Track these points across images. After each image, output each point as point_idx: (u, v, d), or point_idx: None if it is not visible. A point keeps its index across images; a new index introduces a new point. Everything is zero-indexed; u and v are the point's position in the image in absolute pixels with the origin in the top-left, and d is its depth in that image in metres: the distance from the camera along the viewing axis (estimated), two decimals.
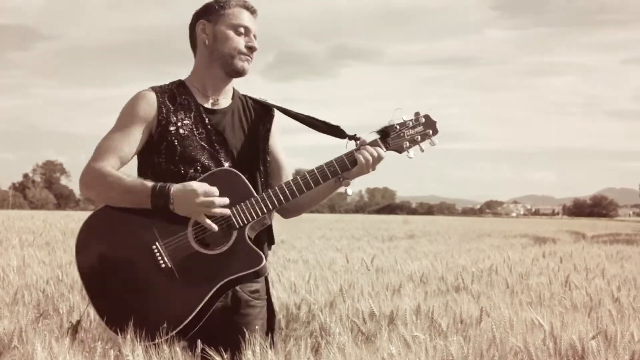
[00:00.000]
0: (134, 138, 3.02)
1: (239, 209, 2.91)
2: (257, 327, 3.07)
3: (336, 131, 3.11)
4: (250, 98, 3.24)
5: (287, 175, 3.22)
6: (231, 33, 3.07)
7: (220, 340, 2.93)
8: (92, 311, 4.57)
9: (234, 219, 2.90)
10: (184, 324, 2.81)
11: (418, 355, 2.80)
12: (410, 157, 3.04)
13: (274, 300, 3.24)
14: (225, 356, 2.68)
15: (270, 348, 2.65)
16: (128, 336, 2.59)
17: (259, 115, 3.21)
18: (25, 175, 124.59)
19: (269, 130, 3.19)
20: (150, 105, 3.04)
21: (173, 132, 3.03)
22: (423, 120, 3.04)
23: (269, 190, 2.94)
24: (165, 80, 3.16)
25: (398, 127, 3.03)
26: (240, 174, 2.95)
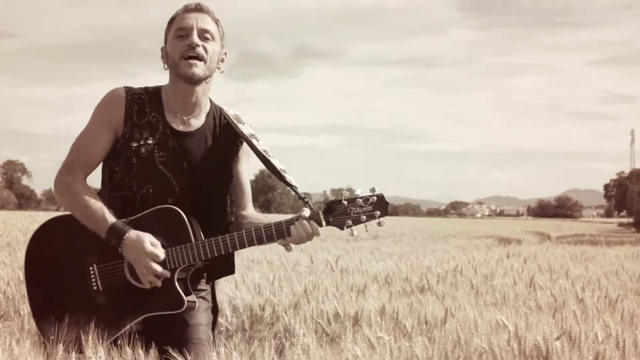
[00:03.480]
0: (101, 145, 3.03)
1: (173, 253, 2.93)
2: (203, 321, 3.10)
3: (290, 187, 3.07)
4: (224, 115, 3.16)
5: (248, 201, 3.22)
6: (175, 41, 3.00)
7: (168, 336, 2.96)
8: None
9: (166, 260, 2.93)
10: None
11: (383, 356, 2.79)
12: (352, 235, 2.95)
13: (237, 301, 3.23)
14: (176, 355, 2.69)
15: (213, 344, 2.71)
16: (90, 338, 2.59)
17: (229, 137, 3.14)
18: None
19: (235, 155, 3.17)
20: (118, 112, 3.02)
21: (134, 148, 3.00)
22: (375, 199, 2.92)
23: (205, 240, 2.94)
24: (126, 81, 3.11)
25: (346, 204, 2.93)
26: (183, 215, 2.94)
